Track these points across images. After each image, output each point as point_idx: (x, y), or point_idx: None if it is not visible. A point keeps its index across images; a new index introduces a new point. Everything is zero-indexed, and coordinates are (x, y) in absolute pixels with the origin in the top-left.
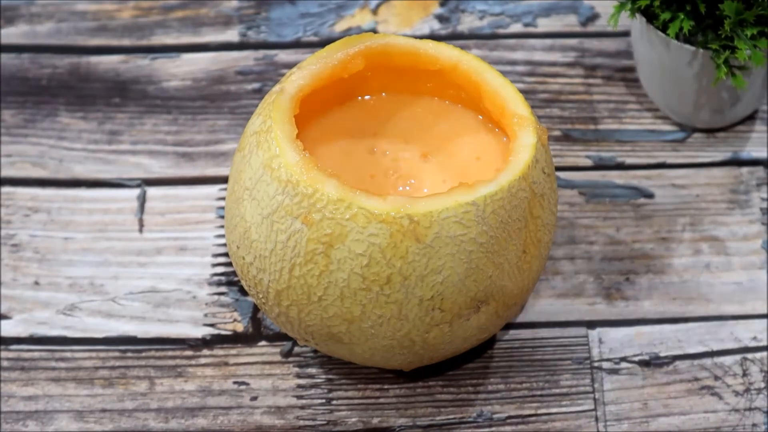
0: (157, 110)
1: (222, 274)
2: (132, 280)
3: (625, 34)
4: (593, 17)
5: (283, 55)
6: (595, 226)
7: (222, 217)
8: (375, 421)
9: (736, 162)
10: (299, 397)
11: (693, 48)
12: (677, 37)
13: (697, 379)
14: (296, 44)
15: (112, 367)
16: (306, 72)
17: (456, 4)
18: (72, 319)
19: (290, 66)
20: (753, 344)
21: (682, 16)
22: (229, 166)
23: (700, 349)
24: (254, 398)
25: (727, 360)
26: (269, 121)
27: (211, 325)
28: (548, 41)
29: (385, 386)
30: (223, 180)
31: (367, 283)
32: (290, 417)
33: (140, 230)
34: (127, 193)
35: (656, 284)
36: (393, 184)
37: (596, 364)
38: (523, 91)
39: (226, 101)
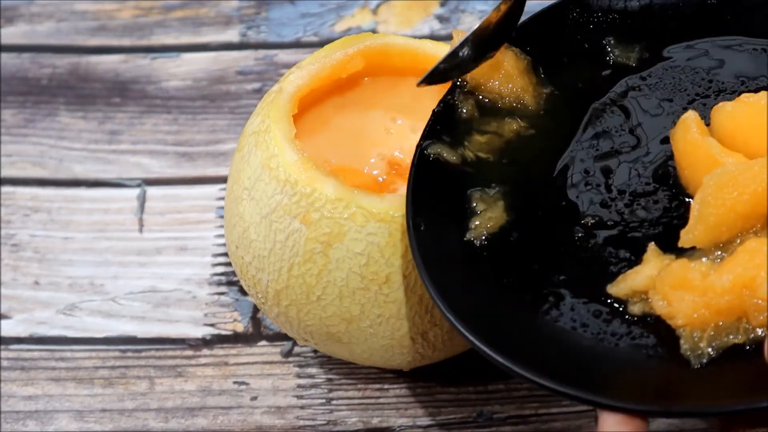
0: (157, 110)
1: (222, 274)
2: (132, 280)
3: None
4: None
5: (283, 55)
6: None
7: (222, 216)
8: (375, 421)
9: None
10: (299, 397)
11: None
12: None
13: None
14: (296, 44)
15: (112, 367)
16: (305, 72)
17: (456, 4)
18: (72, 318)
19: (290, 66)
20: None
21: None
22: (229, 166)
23: None
24: (254, 398)
25: None
26: (268, 121)
27: (211, 325)
28: None
29: (385, 386)
30: (223, 180)
31: (365, 282)
32: (290, 417)
33: (140, 230)
34: (127, 192)
35: None
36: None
37: None
38: None
39: (226, 101)
